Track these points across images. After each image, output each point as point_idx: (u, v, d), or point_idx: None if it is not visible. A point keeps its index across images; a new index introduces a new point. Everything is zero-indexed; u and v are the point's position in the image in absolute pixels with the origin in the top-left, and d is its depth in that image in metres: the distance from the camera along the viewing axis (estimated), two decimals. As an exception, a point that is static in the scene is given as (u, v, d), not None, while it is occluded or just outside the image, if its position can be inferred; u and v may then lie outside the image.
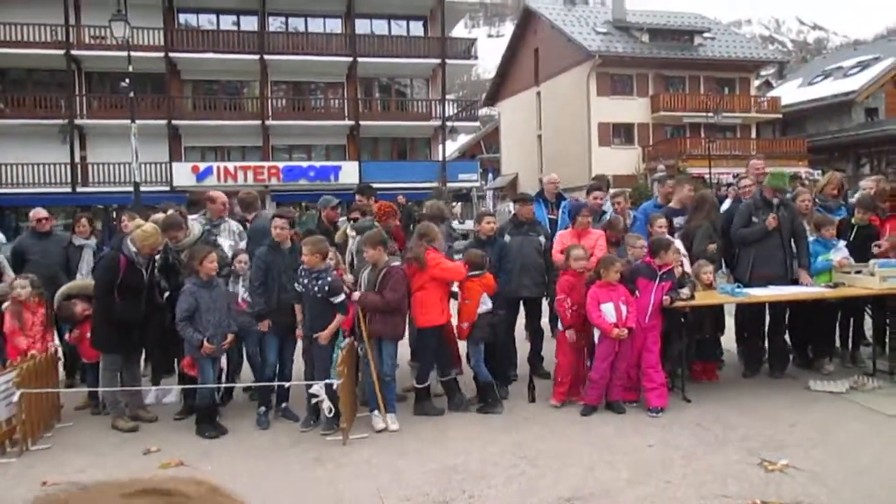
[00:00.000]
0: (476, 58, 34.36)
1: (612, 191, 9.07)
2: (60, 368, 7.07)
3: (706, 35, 39.58)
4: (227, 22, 30.75)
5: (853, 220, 7.31)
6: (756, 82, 42.57)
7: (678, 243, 6.91)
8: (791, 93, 41.93)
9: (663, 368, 6.24)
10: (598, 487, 4.68)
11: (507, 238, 7.25)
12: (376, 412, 6.04)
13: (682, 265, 6.64)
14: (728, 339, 7.77)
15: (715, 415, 6.04)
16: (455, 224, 10.22)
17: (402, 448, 5.60)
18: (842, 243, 7.10)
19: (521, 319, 7.60)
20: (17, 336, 6.37)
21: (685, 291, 6.31)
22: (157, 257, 6.58)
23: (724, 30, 43.25)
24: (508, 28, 52.55)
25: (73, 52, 27.33)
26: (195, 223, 6.91)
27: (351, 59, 30.26)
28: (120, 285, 6.19)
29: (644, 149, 36.34)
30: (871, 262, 6.72)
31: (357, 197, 7.64)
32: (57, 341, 7.12)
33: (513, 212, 7.77)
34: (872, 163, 34.95)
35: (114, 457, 5.63)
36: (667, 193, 8.06)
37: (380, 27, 32.41)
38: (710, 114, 33.69)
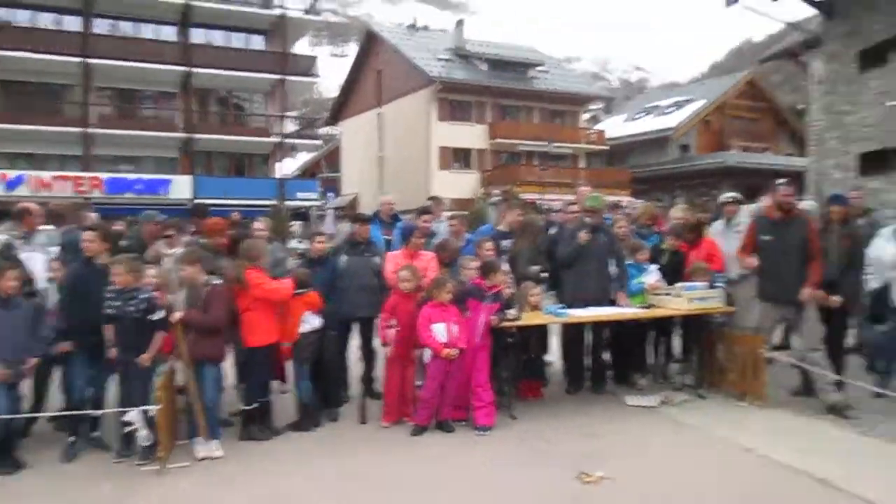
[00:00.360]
0: (317, 76, 34.11)
1: (446, 213, 9.25)
2: None
3: (540, 69, 41.70)
4: (46, 20, 28.53)
5: (663, 246, 7.90)
6: (585, 115, 45.38)
7: (504, 265, 7.16)
8: (616, 127, 45.04)
9: (492, 387, 6.39)
10: (425, 507, 4.70)
11: (343, 258, 7.20)
12: (198, 439, 5.72)
13: (508, 286, 6.87)
14: (553, 358, 8.13)
15: (539, 431, 6.26)
16: (295, 243, 10.02)
17: (224, 476, 5.34)
18: (653, 267, 7.63)
19: (356, 340, 7.54)
20: None
21: (513, 312, 6.53)
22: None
23: (556, 65, 45.75)
24: (353, 48, 52.63)
25: None
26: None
27: (186, 68, 29.03)
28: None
29: (482, 174, 37.55)
30: (679, 285, 7.28)
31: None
32: None
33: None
34: (686, 194, 38.20)
35: None
36: (516, 220, 8.34)
37: (217, 38, 31.38)
38: (544, 143, 35.36)
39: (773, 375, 7.24)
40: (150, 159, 30.04)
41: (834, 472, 5.07)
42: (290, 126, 33.64)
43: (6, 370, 5.46)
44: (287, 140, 31.68)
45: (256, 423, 6.18)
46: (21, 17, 28.23)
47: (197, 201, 26.66)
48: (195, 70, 29.18)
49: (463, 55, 39.91)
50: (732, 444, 5.86)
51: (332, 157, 47.76)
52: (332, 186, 42.14)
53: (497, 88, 38.39)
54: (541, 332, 7.50)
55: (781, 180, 7.00)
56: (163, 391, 5.46)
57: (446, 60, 39.00)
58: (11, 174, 26.26)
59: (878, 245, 7.03)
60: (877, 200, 13.22)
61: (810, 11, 19.39)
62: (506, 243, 7.62)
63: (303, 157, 48.00)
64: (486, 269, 6.57)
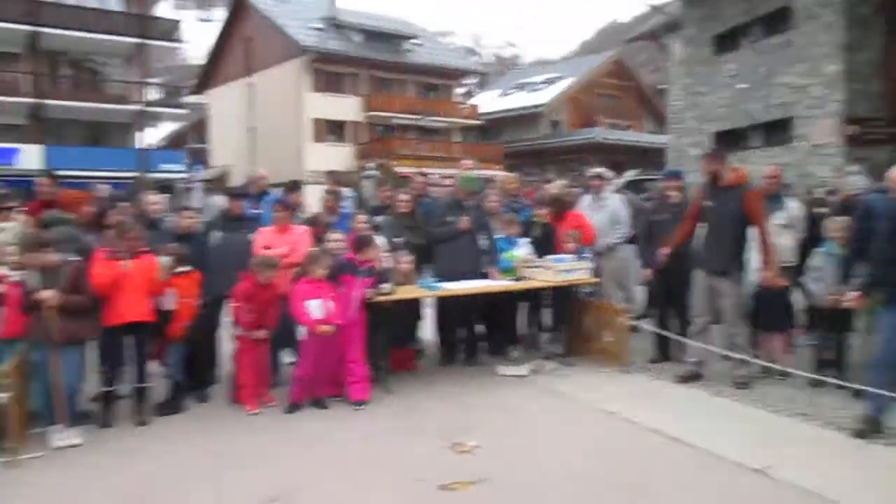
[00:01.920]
0: (181, 41, 32.46)
1: (324, 187, 9.10)
2: None
3: (414, 41, 41.57)
4: None
5: (533, 219, 8.13)
6: (459, 90, 45.74)
7: (380, 239, 7.15)
8: (490, 102, 45.71)
9: (366, 362, 6.39)
10: (304, 483, 4.65)
11: (217, 234, 6.95)
12: (55, 426, 5.39)
13: (382, 261, 6.87)
14: (427, 331, 8.22)
15: (414, 404, 6.33)
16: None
17: (84, 463, 5.07)
18: (524, 241, 7.85)
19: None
20: None
21: (387, 286, 6.53)
22: None
23: (430, 38, 45.76)
24: (221, 14, 50.37)
25: None
26: None
27: (32, 27, 26.81)
28: None
29: (357, 147, 37.16)
30: (548, 257, 7.53)
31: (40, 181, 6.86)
32: None
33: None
34: (557, 169, 39.43)
35: None
36: (385, 196, 8.30)
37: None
38: (419, 116, 35.35)
39: (637, 343, 7.67)
40: (-7, 126, 27.68)
41: (686, 430, 5.45)
42: (153, 94, 31.86)
43: None
44: (149, 108, 29.99)
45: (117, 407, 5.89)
46: None
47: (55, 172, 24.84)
48: (44, 30, 27.00)
49: (336, 25, 39.11)
50: (597, 408, 6.17)
51: (199, 128, 45.74)
52: (201, 158, 40.42)
53: (371, 60, 37.96)
54: (413, 303, 7.55)
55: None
56: (15, 378, 5.09)
57: (319, 30, 38.09)
58: None
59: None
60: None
61: (672, -6, 20.37)
62: (380, 218, 7.61)
63: (168, 128, 45.69)
64: (360, 244, 6.52)
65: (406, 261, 7.12)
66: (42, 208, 6.86)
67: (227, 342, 7.21)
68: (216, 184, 35.68)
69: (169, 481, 4.76)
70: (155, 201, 6.96)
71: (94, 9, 29.37)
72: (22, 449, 5.15)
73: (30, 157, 26.14)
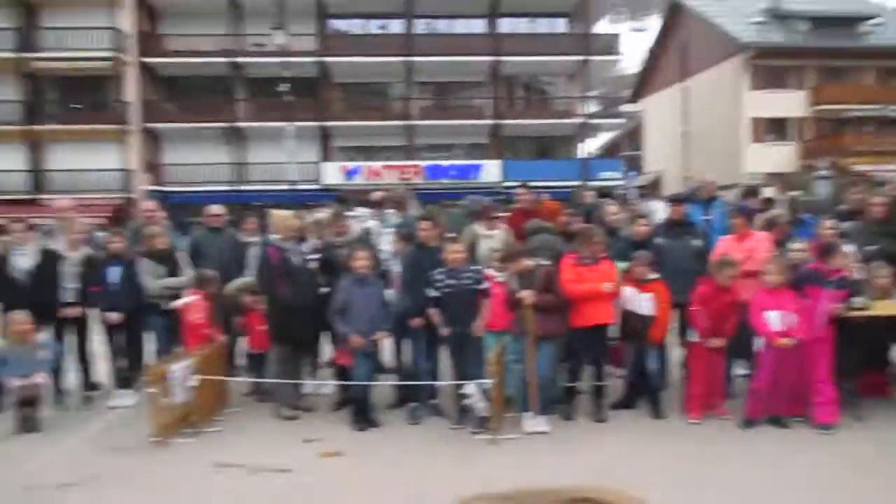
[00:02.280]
0: (619, 53, 33.57)
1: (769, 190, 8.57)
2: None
3: (873, 22, 36.55)
4: (375, 26, 31.85)
5: None
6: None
7: (849, 248, 6.45)
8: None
9: (834, 383, 5.82)
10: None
11: (660, 240, 7.03)
12: (528, 413, 6.03)
13: (854, 271, 6.18)
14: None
15: (888, 437, 5.57)
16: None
17: (554, 448, 5.57)
18: None
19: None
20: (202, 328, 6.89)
21: (859, 300, 5.86)
22: (314, 252, 6.95)
23: (892, 15, 39.76)
24: (654, 22, 50.91)
25: (236, 59, 29.19)
26: (358, 222, 7.22)
27: (494, 58, 30.43)
28: (276, 273, 6.56)
29: (801, 145, 34.12)
30: None
31: (518, 192, 7.72)
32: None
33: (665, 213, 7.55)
34: None
35: (277, 443, 5.96)
36: (856, 199, 7.51)
37: (522, 25, 32.41)
38: (879, 106, 31.02)
39: None
40: (463, 146, 32.12)
41: None
42: (593, 106, 33.59)
43: (361, 339, 6.24)
44: (590, 121, 31.72)
45: (579, 403, 6.34)
46: (353, 26, 31.86)
47: (506, 184, 27.89)
48: (503, 59, 30.45)
49: (779, 16, 36.41)
50: None
51: (633, 135, 46.82)
52: (635, 165, 41.33)
53: (820, 49, 34.41)
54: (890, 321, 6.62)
55: None
56: (496, 365, 5.83)
57: (759, 24, 35.88)
58: (350, 165, 29.83)
59: None
60: None
61: None
62: (849, 224, 6.87)
63: (604, 137, 47.71)
64: (826, 252, 5.98)
65: (883, 273, 6.30)
66: (522, 218, 7.63)
67: (675, 348, 7.26)
68: (650, 189, 36.10)
69: (624, 473, 4.95)
70: (614, 211, 7.32)
71: (543, 34, 32.19)
72: (500, 430, 5.88)
73: (490, 171, 29.74)
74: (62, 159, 28.49)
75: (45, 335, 6.76)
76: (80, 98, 29.62)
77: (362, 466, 5.43)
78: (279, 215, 6.79)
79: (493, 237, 7.07)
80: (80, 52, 27.60)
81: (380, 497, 4.87)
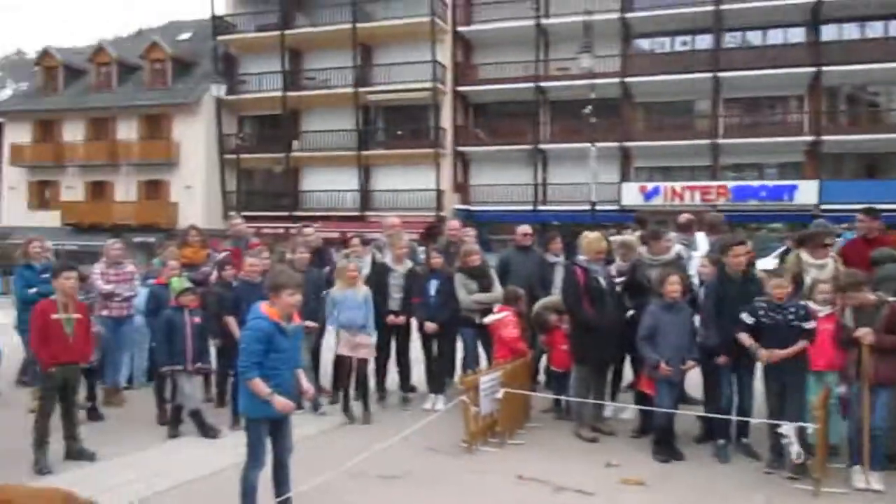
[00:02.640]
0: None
1: None
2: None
3: None
4: (679, 43, 30.86)
5: None
6: None
7: None
8: None
9: None
10: None
11: None
12: (856, 466, 5.38)
13: None
14: None
15: None
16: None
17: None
18: None
19: None
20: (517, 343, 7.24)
21: None
22: (621, 274, 6.94)
23: None
24: None
25: (541, 84, 30.23)
26: (677, 244, 7.08)
27: (814, 69, 27.76)
28: (581, 293, 6.63)
29: None
30: None
31: (859, 217, 6.98)
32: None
33: None
34: None
35: (579, 463, 6.01)
36: None
37: (849, 32, 29.10)
38: None
39: None
40: (774, 166, 29.70)
41: None
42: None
43: (669, 369, 6.06)
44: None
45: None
46: (658, 45, 31.19)
47: (824, 206, 25.24)
48: (825, 69, 27.66)
49: None
50: None
51: None
52: None
53: None
54: None
55: None
56: (820, 410, 5.30)
57: None
58: (650, 186, 29.21)
59: None
60: None
61: None
62: None
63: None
64: None
65: None
66: (863, 246, 6.84)
67: None
68: None
69: None
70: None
71: (874, 39, 28.64)
72: (823, 482, 5.31)
73: (806, 192, 27.15)
74: (385, 180, 31.84)
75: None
76: (403, 125, 32.86)
77: (665, 499, 5.26)
78: (586, 236, 6.87)
79: (823, 267, 6.43)
80: (405, 84, 30.61)
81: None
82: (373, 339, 7.55)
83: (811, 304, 5.92)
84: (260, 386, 4.31)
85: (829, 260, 6.53)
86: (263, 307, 4.43)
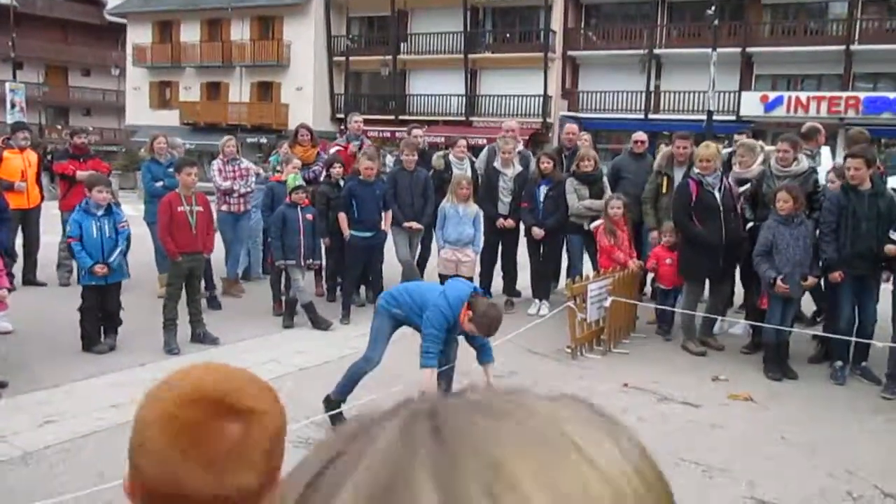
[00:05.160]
0: None
1: None
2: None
3: None
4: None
5: None
6: None
7: None
8: None
9: None
10: None
11: None
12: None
13: None
14: None
15: None
16: None
17: None
18: None
19: None
20: (613, 251, 7.07)
21: None
22: (745, 187, 6.62)
23: None
24: None
25: (659, -17, 28.48)
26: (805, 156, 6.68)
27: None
28: (694, 208, 6.38)
29: None
30: None
31: None
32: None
33: None
34: None
35: (685, 376, 5.93)
36: None
37: None
38: None
39: None
40: (916, 76, 27.19)
41: None
42: None
43: (785, 286, 5.80)
44: None
45: None
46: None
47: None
48: None
49: None
50: None
51: None
52: None
53: None
54: None
55: None
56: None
57: None
58: (772, 95, 27.38)
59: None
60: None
61: None
62: None
63: None
64: None
65: None
66: None
67: None
68: None
69: None
70: None
71: None
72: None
73: (949, 106, 24.88)
74: (492, 85, 31.23)
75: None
76: (512, 27, 31.84)
77: (775, 417, 5.14)
78: (705, 147, 6.55)
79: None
80: (516, -17, 29.55)
81: (787, 452, 4.55)
82: (476, 255, 7.59)
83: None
84: (432, 381, 4.39)
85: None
86: (463, 311, 4.35)
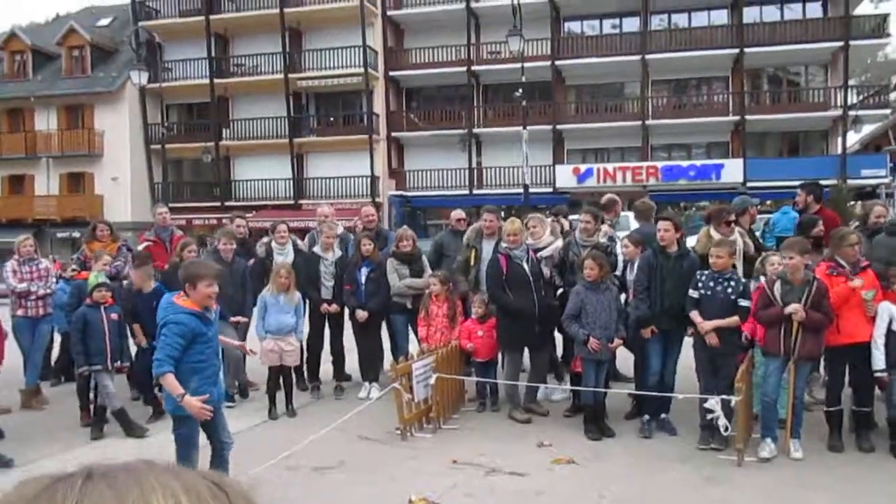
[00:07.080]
0: (888, 35, 29.82)
1: None
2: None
3: None
4: (608, 26, 31.23)
5: None
6: None
7: None
8: None
9: None
10: None
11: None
12: (769, 439, 5.55)
13: None
14: None
15: None
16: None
17: (803, 481, 5.08)
18: None
19: None
20: (421, 325, 7.17)
21: None
22: (557, 254, 7.00)
23: None
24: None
25: (474, 67, 30.19)
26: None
27: (737, 50, 28.51)
28: (506, 281, 6.65)
29: None
30: None
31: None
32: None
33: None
34: None
35: (512, 445, 6.04)
36: None
37: (770, 14, 29.95)
38: None
39: None
40: (702, 145, 30.45)
41: None
42: (854, 97, 30.16)
43: (598, 342, 6.13)
44: (850, 113, 28.54)
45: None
46: (587, 28, 31.48)
47: (750, 184, 26.00)
48: (747, 50, 28.42)
49: None
50: None
51: (903, 128, 41.33)
52: (902, 160, 36.47)
53: None
54: None
55: None
56: (743, 382, 5.45)
57: None
58: (583, 168, 29.57)
59: None
60: None
61: None
62: None
63: (865, 130, 42.75)
64: None
65: None
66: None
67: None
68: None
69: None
70: (880, 212, 6.57)
71: (794, 21, 29.54)
72: (745, 450, 5.47)
73: (732, 171, 27.96)
74: (319, 168, 31.39)
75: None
76: (335, 111, 32.41)
77: (595, 476, 5.34)
78: (508, 221, 6.92)
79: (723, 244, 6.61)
80: (336, 69, 30.18)
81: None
82: (300, 342, 7.44)
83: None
84: (174, 383, 4.17)
85: (737, 235, 6.71)
86: (178, 299, 4.29)
